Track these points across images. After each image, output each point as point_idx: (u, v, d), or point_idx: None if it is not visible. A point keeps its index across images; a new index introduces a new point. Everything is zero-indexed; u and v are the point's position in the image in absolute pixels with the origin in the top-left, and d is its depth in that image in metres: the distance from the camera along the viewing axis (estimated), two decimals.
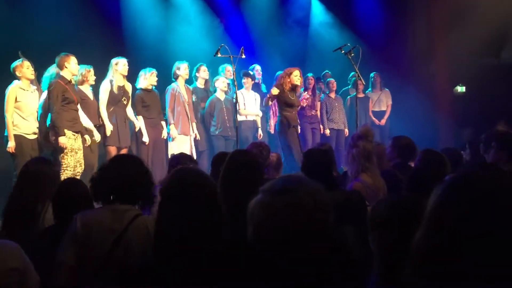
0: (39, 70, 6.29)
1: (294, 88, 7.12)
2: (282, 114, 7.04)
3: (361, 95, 8.61)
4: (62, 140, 5.66)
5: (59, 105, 5.71)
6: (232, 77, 7.28)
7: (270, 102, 7.21)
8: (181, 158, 4.17)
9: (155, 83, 6.94)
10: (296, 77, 7.09)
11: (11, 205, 2.94)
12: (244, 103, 7.79)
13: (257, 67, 8.31)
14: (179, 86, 7.16)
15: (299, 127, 7.44)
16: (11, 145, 5.66)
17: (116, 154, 6.40)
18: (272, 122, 8.07)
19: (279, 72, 8.13)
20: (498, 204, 0.98)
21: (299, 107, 7.46)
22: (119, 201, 2.41)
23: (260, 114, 8.02)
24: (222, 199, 2.59)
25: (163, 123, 7.10)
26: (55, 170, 3.51)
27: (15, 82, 5.79)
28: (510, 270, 0.96)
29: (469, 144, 4.48)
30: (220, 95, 7.65)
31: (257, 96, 8.00)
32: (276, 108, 7.35)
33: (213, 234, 1.83)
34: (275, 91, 6.87)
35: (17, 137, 5.72)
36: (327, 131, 8.60)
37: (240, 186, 2.45)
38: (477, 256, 0.98)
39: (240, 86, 7.90)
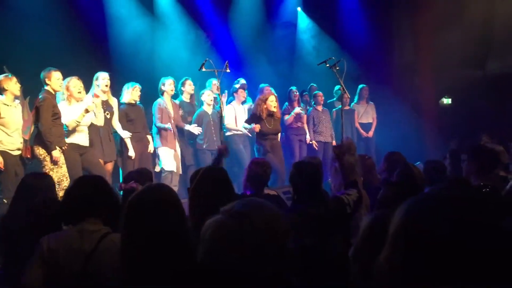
0: (23, 84, 6.28)
1: (271, 114, 7.13)
2: (258, 141, 7.19)
3: (346, 107, 8.64)
4: (55, 154, 5.66)
5: (50, 121, 5.69)
6: (217, 92, 7.30)
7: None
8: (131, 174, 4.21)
9: (138, 98, 6.94)
10: (272, 102, 7.13)
11: (10, 219, 2.90)
12: (236, 117, 7.79)
13: (242, 81, 8.34)
14: (165, 102, 7.19)
15: (278, 155, 7.36)
16: None
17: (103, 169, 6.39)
18: None
19: (262, 85, 8.17)
20: (457, 224, 0.99)
21: (278, 133, 7.46)
22: (86, 221, 2.39)
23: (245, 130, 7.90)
24: (190, 214, 2.60)
25: (149, 137, 7.07)
26: (51, 183, 3.57)
27: None
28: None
29: (450, 155, 4.51)
30: (207, 108, 7.65)
31: (246, 109, 8.03)
32: None
33: (181, 253, 1.78)
34: (257, 128, 7.02)
35: (1, 153, 5.65)
36: (314, 143, 8.62)
37: (207, 202, 2.45)
38: (437, 275, 0.98)
39: (227, 101, 7.94)
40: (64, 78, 6.01)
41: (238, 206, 1.45)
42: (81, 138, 6.18)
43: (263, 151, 7.09)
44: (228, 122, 7.69)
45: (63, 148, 5.82)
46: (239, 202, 1.47)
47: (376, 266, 1.09)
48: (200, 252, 1.43)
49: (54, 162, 5.65)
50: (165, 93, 7.22)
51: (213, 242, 1.41)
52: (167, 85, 7.21)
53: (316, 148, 8.59)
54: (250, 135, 7.78)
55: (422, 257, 0.99)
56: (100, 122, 6.43)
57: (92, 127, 6.39)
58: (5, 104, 5.67)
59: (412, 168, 3.28)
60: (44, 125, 5.67)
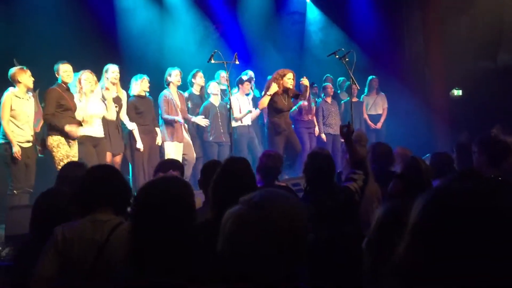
0: (33, 77, 6.31)
1: (286, 91, 6.99)
2: (270, 119, 7.04)
3: (355, 99, 8.59)
4: (70, 128, 5.68)
5: (53, 109, 5.72)
6: (226, 83, 7.27)
7: (266, 103, 7.09)
8: (166, 164, 4.17)
9: (147, 89, 6.92)
10: (289, 80, 6.94)
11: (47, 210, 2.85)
12: (240, 108, 7.78)
13: (250, 73, 8.31)
14: (171, 93, 7.14)
15: (291, 131, 7.27)
16: (16, 150, 5.61)
17: (110, 160, 6.41)
18: None
19: (270, 77, 8.14)
20: (477, 219, 0.97)
21: (289, 111, 7.26)
22: (98, 211, 2.39)
23: (254, 112, 7.90)
24: (211, 207, 2.60)
25: (158, 129, 7.06)
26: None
27: (11, 89, 5.71)
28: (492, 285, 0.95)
29: (456, 147, 4.46)
30: (214, 100, 7.63)
31: (250, 100, 8.02)
32: None
33: (185, 247, 1.78)
34: (274, 88, 6.80)
35: (11, 146, 5.67)
36: (323, 135, 8.60)
37: (229, 194, 2.45)
38: (459, 272, 0.97)
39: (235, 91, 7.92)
40: (75, 71, 6.05)
41: (257, 196, 1.43)
42: (94, 130, 6.20)
43: (274, 131, 6.93)
44: (235, 113, 7.69)
45: (73, 140, 5.85)
46: (259, 193, 1.46)
47: (393, 260, 1.08)
48: (219, 242, 1.42)
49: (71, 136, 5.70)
50: (171, 84, 7.13)
51: (232, 232, 1.40)
52: (174, 75, 7.12)
53: (325, 140, 8.56)
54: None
55: (439, 253, 0.98)
56: (111, 116, 6.44)
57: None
58: (16, 96, 5.71)
59: (419, 161, 3.27)
60: (45, 113, 5.72)
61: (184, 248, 1.78)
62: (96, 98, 6.27)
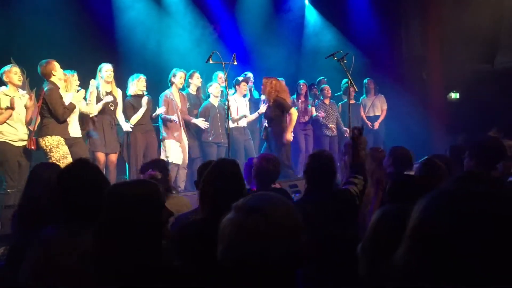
0: (30, 75, 6.27)
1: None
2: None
3: (352, 101, 8.58)
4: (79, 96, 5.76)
5: (62, 106, 5.65)
6: (224, 84, 7.24)
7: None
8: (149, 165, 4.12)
9: (144, 88, 6.92)
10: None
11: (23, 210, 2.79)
12: (237, 109, 7.76)
13: (249, 74, 8.29)
14: (172, 93, 7.13)
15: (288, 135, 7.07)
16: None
17: (103, 160, 6.38)
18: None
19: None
20: (481, 223, 0.95)
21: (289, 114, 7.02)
22: (78, 215, 2.22)
23: (250, 116, 7.94)
24: (201, 207, 2.58)
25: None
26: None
27: (1, 88, 5.74)
28: None
29: (450, 150, 4.43)
30: (213, 101, 7.61)
31: (248, 103, 7.99)
32: None
33: (148, 252, 1.78)
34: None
35: (2, 144, 5.66)
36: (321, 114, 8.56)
37: (218, 195, 2.44)
38: (458, 276, 0.95)
39: (233, 92, 7.89)
40: (72, 69, 6.02)
41: (251, 201, 1.42)
42: (71, 129, 6.04)
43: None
44: (232, 114, 7.67)
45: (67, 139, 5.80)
46: (252, 198, 1.44)
47: (393, 262, 1.06)
48: (219, 250, 1.42)
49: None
50: (174, 85, 7.17)
51: (232, 239, 1.39)
52: (178, 77, 7.15)
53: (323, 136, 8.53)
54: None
55: (439, 257, 0.96)
56: (90, 110, 6.37)
57: (95, 119, 6.39)
58: (6, 95, 5.69)
59: (437, 162, 3.25)
60: (57, 111, 5.62)
61: (153, 249, 1.78)
62: (70, 95, 6.06)
